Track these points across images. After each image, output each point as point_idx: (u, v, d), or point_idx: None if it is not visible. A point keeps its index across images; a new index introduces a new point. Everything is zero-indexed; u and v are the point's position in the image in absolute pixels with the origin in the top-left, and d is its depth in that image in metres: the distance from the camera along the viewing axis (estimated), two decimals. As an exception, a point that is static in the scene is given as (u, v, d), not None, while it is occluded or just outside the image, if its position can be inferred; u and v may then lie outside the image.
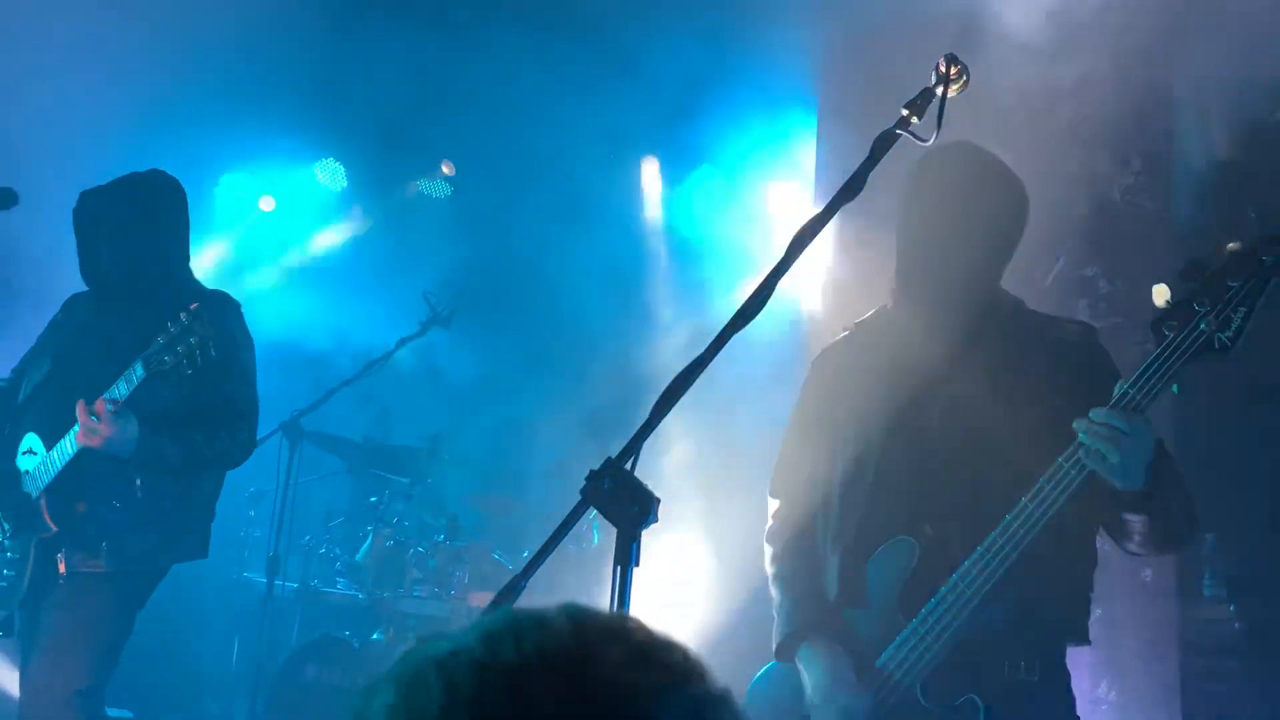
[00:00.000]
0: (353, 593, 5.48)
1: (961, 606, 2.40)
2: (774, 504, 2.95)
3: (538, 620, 0.73)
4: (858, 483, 2.66)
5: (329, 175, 7.40)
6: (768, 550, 2.89)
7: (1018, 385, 2.55)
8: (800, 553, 2.78)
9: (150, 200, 3.58)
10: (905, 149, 2.03)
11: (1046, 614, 2.48)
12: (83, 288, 3.67)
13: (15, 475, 3.47)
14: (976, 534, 2.41)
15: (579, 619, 0.74)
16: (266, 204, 7.39)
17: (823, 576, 2.71)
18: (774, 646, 2.72)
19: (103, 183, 3.60)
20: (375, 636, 5.22)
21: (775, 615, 2.77)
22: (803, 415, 2.91)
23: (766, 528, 2.93)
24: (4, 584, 3.44)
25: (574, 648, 0.71)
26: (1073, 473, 2.32)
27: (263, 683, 5.05)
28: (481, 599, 5.19)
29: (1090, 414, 2.26)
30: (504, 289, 6.92)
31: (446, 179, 7.52)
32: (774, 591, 2.80)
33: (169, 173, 3.67)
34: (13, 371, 3.70)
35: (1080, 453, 2.29)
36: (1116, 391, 2.27)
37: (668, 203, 7.02)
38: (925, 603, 2.45)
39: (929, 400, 2.61)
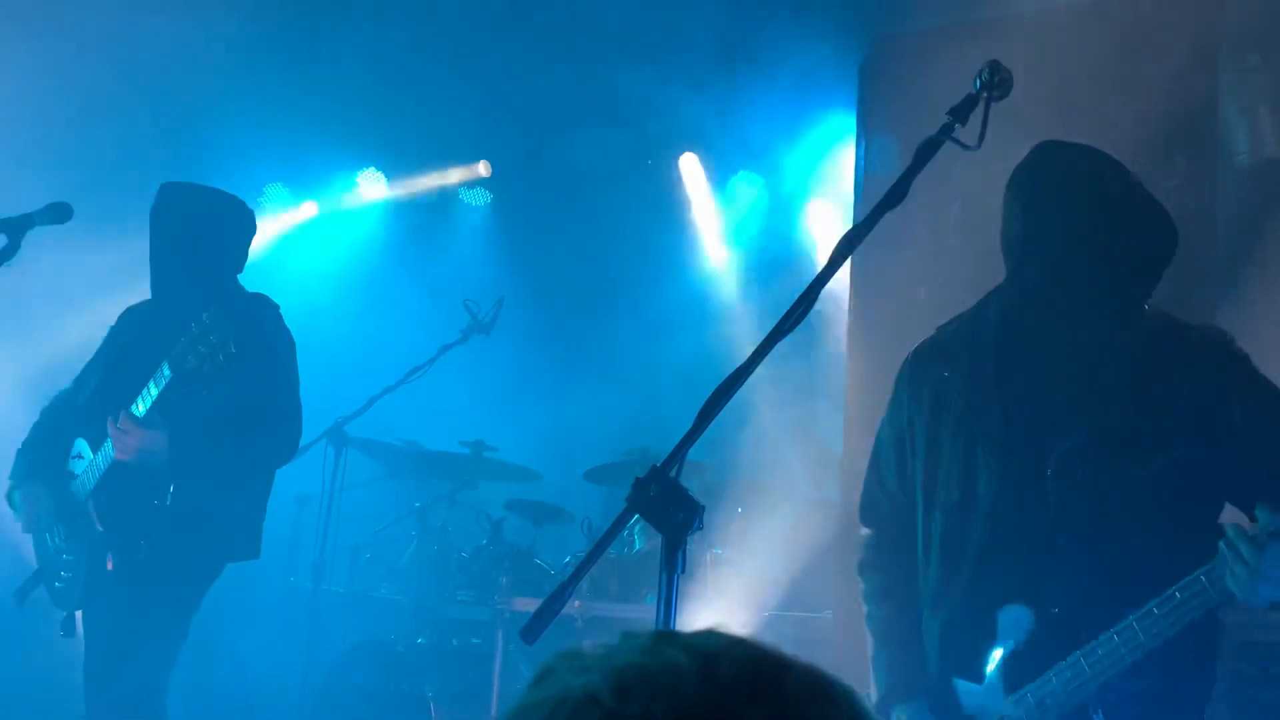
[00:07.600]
0: (397, 597, 5.52)
1: (1080, 687, 2.19)
2: (865, 532, 2.71)
3: (673, 673, 0.66)
4: (962, 540, 2.39)
5: (370, 184, 7.45)
6: (860, 586, 2.68)
7: (1143, 428, 2.28)
8: (898, 605, 2.56)
9: (217, 219, 3.67)
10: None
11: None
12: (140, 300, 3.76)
13: (68, 480, 3.57)
14: (1104, 612, 2.19)
15: (713, 672, 0.66)
16: (308, 210, 7.45)
17: (922, 639, 2.48)
18: (873, 700, 2.52)
19: (183, 181, 3.71)
20: (419, 641, 5.25)
21: (871, 665, 2.58)
22: (895, 434, 2.60)
23: (858, 559, 2.71)
24: (61, 586, 3.54)
25: (704, 712, 0.63)
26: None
27: (309, 686, 5.10)
28: (525, 604, 5.21)
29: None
30: (545, 295, 6.93)
31: (486, 187, 7.55)
32: (870, 638, 2.60)
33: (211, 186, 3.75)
34: (74, 381, 3.82)
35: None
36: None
37: (710, 204, 7.01)
38: (1032, 677, 2.25)
39: (1046, 443, 2.32)
